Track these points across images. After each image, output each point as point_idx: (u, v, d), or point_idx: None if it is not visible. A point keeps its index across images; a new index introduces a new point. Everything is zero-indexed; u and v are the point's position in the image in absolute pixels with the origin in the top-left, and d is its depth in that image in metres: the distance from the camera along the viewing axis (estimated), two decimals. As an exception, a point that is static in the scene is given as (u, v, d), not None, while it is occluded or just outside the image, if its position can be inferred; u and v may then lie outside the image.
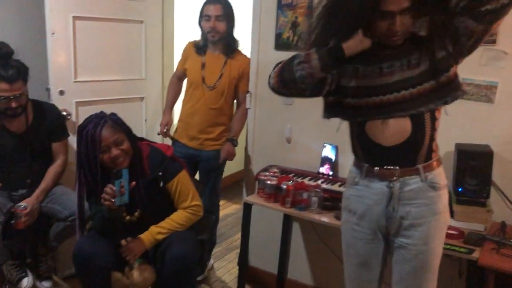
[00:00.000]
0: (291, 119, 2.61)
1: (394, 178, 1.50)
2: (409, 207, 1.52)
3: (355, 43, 1.45)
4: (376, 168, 1.52)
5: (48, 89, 2.63)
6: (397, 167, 1.50)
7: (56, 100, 2.63)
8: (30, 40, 2.80)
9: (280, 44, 2.58)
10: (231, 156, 2.76)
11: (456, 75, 1.48)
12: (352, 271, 1.70)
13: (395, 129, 1.47)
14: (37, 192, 2.38)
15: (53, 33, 2.57)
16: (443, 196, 1.55)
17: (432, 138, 1.50)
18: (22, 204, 2.29)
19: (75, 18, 2.67)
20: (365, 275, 1.67)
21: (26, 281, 2.48)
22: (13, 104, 2.26)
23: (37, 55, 2.62)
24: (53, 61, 2.61)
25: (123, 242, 2.03)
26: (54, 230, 2.45)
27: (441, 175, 1.54)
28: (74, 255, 2.00)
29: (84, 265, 1.99)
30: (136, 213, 2.07)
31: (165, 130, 2.87)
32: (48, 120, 2.48)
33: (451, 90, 1.46)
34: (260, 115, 2.72)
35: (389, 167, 1.50)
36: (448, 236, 1.74)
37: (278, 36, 2.57)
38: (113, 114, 2.04)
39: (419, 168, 1.49)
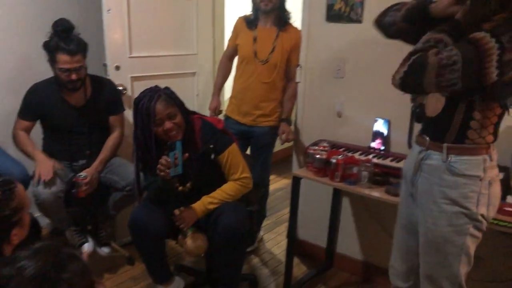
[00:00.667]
0: (342, 93, 2.57)
1: (424, 147, 1.56)
2: (426, 181, 1.56)
3: (443, 6, 1.45)
4: (418, 134, 1.61)
5: (105, 65, 2.72)
6: (427, 138, 1.55)
7: (112, 75, 2.72)
8: (87, 17, 2.91)
9: (332, 15, 2.52)
10: (290, 136, 2.77)
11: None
12: (397, 233, 1.77)
13: (432, 103, 1.53)
14: (96, 162, 2.50)
15: (109, 10, 2.64)
16: (463, 186, 1.48)
17: (466, 125, 1.46)
18: (83, 173, 2.42)
19: (130, -6, 2.73)
20: (407, 240, 1.71)
21: (87, 246, 2.62)
22: (73, 76, 2.36)
23: (94, 32, 2.71)
24: (109, 37, 2.69)
25: (176, 211, 2.11)
26: (112, 199, 2.58)
27: (473, 165, 1.48)
28: (130, 223, 2.11)
29: (140, 233, 2.09)
30: (188, 184, 2.14)
31: (213, 115, 2.91)
32: (105, 94, 2.58)
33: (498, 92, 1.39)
34: (310, 89, 2.70)
35: (424, 136, 1.57)
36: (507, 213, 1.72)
37: (330, 7, 2.51)
38: (167, 88, 2.10)
39: (444, 146, 1.50)
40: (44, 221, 2.86)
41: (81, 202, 2.51)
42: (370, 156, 2.33)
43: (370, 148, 2.45)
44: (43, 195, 2.28)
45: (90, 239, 2.66)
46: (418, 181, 1.59)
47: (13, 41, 2.77)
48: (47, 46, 2.36)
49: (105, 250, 2.68)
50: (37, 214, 2.60)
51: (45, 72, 2.49)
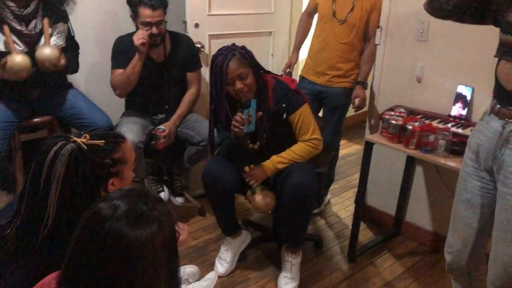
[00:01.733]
0: (423, 57, 2.45)
1: (511, 120, 1.45)
2: None
3: None
4: (498, 106, 1.49)
5: (184, 22, 2.78)
6: None
7: (191, 33, 2.79)
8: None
9: (418, -26, 2.37)
10: (363, 101, 2.71)
11: None
12: (457, 208, 1.70)
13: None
14: (174, 117, 2.62)
15: (191, -33, 2.68)
16: None
17: None
18: (161, 127, 2.55)
19: (212, -49, 2.74)
20: (467, 216, 1.65)
21: (163, 195, 2.78)
22: (154, 30, 2.45)
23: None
24: (190, -5, 2.73)
25: (246, 168, 2.18)
26: (187, 153, 2.70)
27: None
28: (203, 176, 2.21)
29: (211, 186, 2.19)
30: (259, 142, 2.18)
31: (287, 71, 2.90)
32: (184, 51, 2.66)
33: None
34: (389, 52, 2.59)
35: (509, 108, 1.46)
36: None
37: (417, -35, 2.37)
38: (242, 48, 2.11)
39: None
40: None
41: (159, 154, 2.65)
42: (449, 125, 2.23)
43: (449, 116, 2.34)
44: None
45: (166, 189, 2.82)
46: (504, 154, 1.48)
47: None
48: (130, 1, 2.47)
49: (179, 200, 2.83)
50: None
51: (129, 29, 2.61)
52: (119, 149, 1.31)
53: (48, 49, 2.22)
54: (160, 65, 2.62)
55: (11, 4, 2.16)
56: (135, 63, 2.47)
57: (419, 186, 2.65)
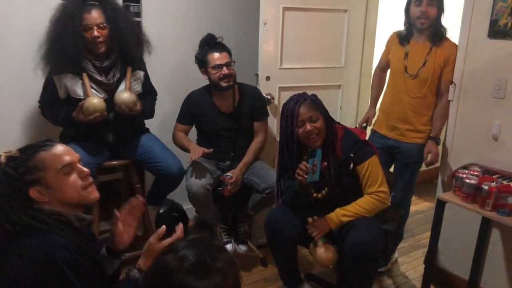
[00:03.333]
0: (500, 115, 2.35)
1: None
2: None
3: None
4: None
5: (256, 75, 2.90)
6: None
7: (262, 85, 2.89)
8: (244, 31, 3.14)
9: (495, 31, 2.33)
10: (436, 157, 2.63)
11: None
12: None
13: None
14: (241, 164, 2.69)
15: (265, 23, 2.81)
16: None
17: None
18: (229, 174, 2.62)
19: (285, 8, 2.86)
20: None
21: (230, 247, 2.79)
22: (225, 71, 2.60)
23: (248, 44, 2.91)
24: (264, 50, 2.86)
25: (309, 219, 2.16)
26: (252, 200, 2.74)
27: None
28: (265, 224, 2.23)
29: (274, 234, 2.19)
30: (324, 191, 2.17)
31: (363, 125, 2.90)
32: (251, 101, 2.76)
33: None
34: (463, 109, 2.52)
35: None
36: None
37: (494, 22, 2.33)
38: (313, 95, 2.18)
39: None
40: (191, 214, 3.15)
41: (226, 200, 2.71)
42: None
43: (530, 177, 2.21)
44: (194, 188, 2.52)
45: (233, 242, 2.84)
46: None
47: (173, 50, 3.11)
48: (197, 57, 2.68)
49: (242, 248, 2.83)
50: (187, 206, 2.89)
51: (198, 79, 2.77)
52: (33, 156, 1.36)
53: (126, 94, 2.39)
54: (228, 116, 2.73)
55: (93, 59, 2.36)
56: (186, 147, 2.70)
57: (497, 250, 2.47)
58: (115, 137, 2.52)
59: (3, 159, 1.34)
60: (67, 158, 1.40)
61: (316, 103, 2.13)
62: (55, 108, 2.41)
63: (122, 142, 2.56)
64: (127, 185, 2.81)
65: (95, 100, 2.29)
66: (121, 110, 2.38)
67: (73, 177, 1.41)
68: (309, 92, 2.22)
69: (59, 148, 1.41)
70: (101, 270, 1.48)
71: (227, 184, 2.58)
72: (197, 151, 2.57)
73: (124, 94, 2.38)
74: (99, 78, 2.38)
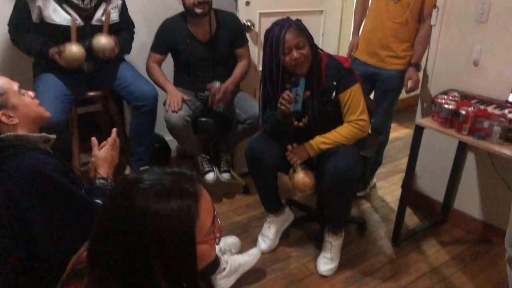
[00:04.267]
0: (482, 40, 2.33)
1: None
2: None
3: None
4: None
5: (235, 0, 2.79)
6: None
7: (242, 10, 2.79)
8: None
9: (481, -50, 2.25)
10: (416, 83, 2.63)
11: None
12: None
13: None
14: (228, 82, 2.65)
15: None
16: None
17: None
18: (217, 82, 2.59)
19: None
20: None
21: (212, 176, 2.83)
22: None
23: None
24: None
25: (289, 147, 2.18)
26: (233, 130, 2.74)
27: None
28: (246, 152, 2.25)
29: (254, 162, 2.22)
30: (305, 119, 2.17)
31: (352, 54, 2.85)
32: (229, 29, 2.67)
33: None
34: (445, 34, 2.49)
35: None
36: None
37: None
38: (298, 20, 2.09)
39: None
40: (173, 145, 3.16)
41: (207, 130, 2.71)
42: (506, 111, 2.13)
43: (507, 102, 2.23)
44: (172, 119, 2.50)
45: (215, 170, 2.87)
46: None
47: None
48: None
49: (225, 177, 2.88)
50: (168, 138, 2.89)
51: (176, 5, 2.66)
52: None
53: (104, 39, 2.35)
54: (205, 45, 2.65)
55: None
56: (162, 86, 2.65)
57: (470, 173, 2.56)
58: (91, 67, 2.46)
59: None
60: (13, 82, 1.47)
61: (301, 29, 2.05)
62: (28, 35, 2.31)
63: (99, 71, 2.50)
64: (107, 118, 2.78)
65: (75, 49, 2.26)
66: (98, 55, 2.36)
67: (27, 97, 1.50)
68: (292, 18, 2.14)
69: (2, 76, 1.47)
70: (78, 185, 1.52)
71: (214, 94, 2.55)
72: (175, 100, 2.52)
73: (102, 39, 2.34)
74: (76, 1, 2.30)
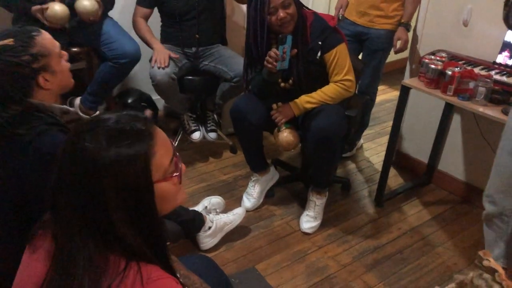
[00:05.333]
0: (472, -1, 2.30)
1: None
2: None
3: None
4: None
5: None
6: None
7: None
8: None
9: None
10: (406, 44, 2.59)
11: None
12: (501, 159, 1.64)
13: None
14: None
15: None
16: None
17: None
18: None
19: None
20: None
21: (198, 135, 2.82)
22: None
23: None
24: None
25: (274, 106, 2.18)
26: (220, 89, 2.72)
27: None
28: (231, 111, 2.23)
29: (239, 121, 2.21)
30: (291, 81, 2.16)
31: (339, 15, 2.78)
32: None
33: None
34: (436, -8, 2.45)
35: None
36: None
37: None
38: None
39: None
40: (160, 104, 3.14)
41: (193, 88, 2.68)
42: (492, 72, 2.12)
43: (494, 63, 2.22)
44: (158, 76, 2.46)
45: (202, 129, 2.85)
46: None
47: None
48: None
49: (212, 136, 2.87)
50: (156, 97, 2.86)
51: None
52: (34, 43, 1.28)
53: (87, 2, 2.29)
54: None
55: None
56: (148, 42, 2.58)
57: (455, 134, 2.57)
58: (74, 23, 2.40)
59: None
60: (56, 43, 1.36)
61: None
62: None
63: (81, 28, 2.44)
64: (91, 76, 2.73)
65: (58, 8, 2.19)
66: (81, 19, 2.31)
67: (64, 61, 1.40)
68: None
69: (47, 33, 1.35)
70: None
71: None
72: (163, 57, 2.47)
73: (85, 3, 2.28)
74: None
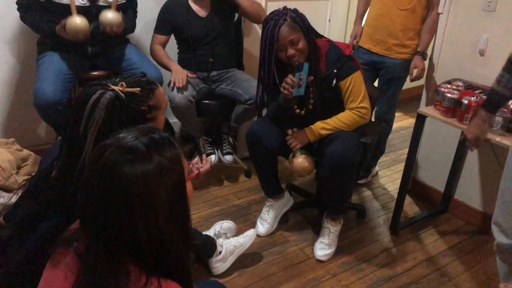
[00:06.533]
0: (489, 29, 2.30)
1: None
2: None
3: None
4: None
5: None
6: None
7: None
8: None
9: None
10: (422, 72, 2.60)
11: None
12: (506, 185, 1.67)
13: None
14: None
15: None
16: None
17: None
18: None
19: None
20: None
21: (214, 158, 2.85)
22: None
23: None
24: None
25: (289, 131, 2.19)
26: (235, 111, 2.75)
27: None
28: (246, 135, 2.25)
29: (254, 145, 2.23)
30: (306, 108, 2.17)
31: (354, 42, 2.81)
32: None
33: None
34: (452, 22, 2.46)
35: None
36: None
37: None
38: (294, 11, 2.06)
39: None
40: (177, 127, 3.17)
41: (210, 112, 2.72)
42: (509, 102, 2.11)
43: (511, 93, 2.21)
44: (177, 99, 2.51)
45: (217, 152, 2.88)
46: None
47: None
48: None
49: (227, 159, 2.89)
50: (172, 120, 2.90)
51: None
52: (153, 96, 1.34)
53: (111, 14, 2.32)
54: (205, 20, 2.64)
55: None
56: (166, 65, 2.65)
57: (472, 163, 2.55)
58: (96, 48, 2.47)
59: (121, 94, 1.27)
60: (165, 99, 1.43)
61: (296, 21, 2.03)
62: (36, 14, 2.32)
63: (103, 53, 2.51)
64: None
65: (77, 20, 2.23)
66: (105, 30, 2.34)
67: (162, 113, 1.43)
68: (297, 4, 2.12)
69: (160, 88, 1.41)
70: None
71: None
72: (181, 77, 2.52)
73: (109, 14, 2.32)
74: None
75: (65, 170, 1.26)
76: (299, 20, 2.05)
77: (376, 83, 2.79)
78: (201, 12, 2.64)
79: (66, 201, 1.22)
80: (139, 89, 1.30)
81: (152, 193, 0.84)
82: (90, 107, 1.24)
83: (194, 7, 2.63)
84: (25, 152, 2.44)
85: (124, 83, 1.29)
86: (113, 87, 1.27)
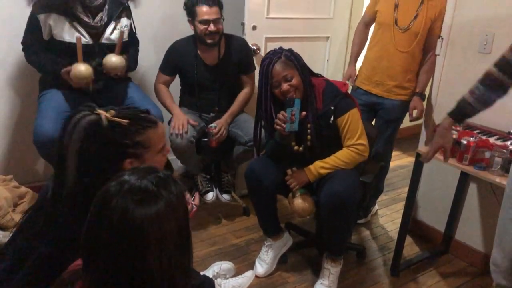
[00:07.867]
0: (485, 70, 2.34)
1: None
2: None
3: None
4: None
5: (242, 24, 2.83)
6: None
7: (248, 35, 2.83)
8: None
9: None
10: (421, 113, 2.63)
11: None
12: (503, 227, 1.69)
13: None
14: (226, 115, 2.68)
15: (251, -29, 2.72)
16: None
17: None
18: (213, 124, 2.61)
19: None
20: None
21: (211, 195, 2.84)
22: (212, 27, 2.51)
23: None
24: (250, -2, 2.77)
25: (289, 171, 2.19)
26: (235, 152, 2.75)
27: None
28: (245, 174, 2.26)
29: (253, 184, 2.22)
30: (304, 145, 2.18)
31: (350, 84, 2.85)
32: (237, 53, 2.70)
33: None
34: (449, 63, 2.51)
35: None
36: None
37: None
38: (289, 51, 2.12)
39: None
40: (176, 164, 3.16)
41: (210, 151, 2.72)
42: (508, 143, 2.13)
43: (509, 133, 2.23)
44: (177, 140, 2.52)
45: (215, 190, 2.87)
46: None
47: (160, 2, 3.01)
48: (186, 4, 2.57)
49: (225, 197, 2.87)
50: (171, 157, 2.89)
51: (185, 31, 2.69)
52: (143, 133, 1.28)
53: (115, 58, 2.36)
54: (213, 69, 2.68)
55: None
56: (168, 108, 2.67)
57: (472, 203, 2.53)
58: (99, 87, 2.49)
59: (105, 121, 1.22)
60: (164, 139, 1.38)
61: (290, 59, 2.09)
62: (40, 55, 2.35)
63: (104, 91, 2.52)
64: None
65: (82, 68, 2.27)
66: (108, 74, 2.38)
67: (162, 155, 1.38)
68: (296, 44, 2.19)
69: (161, 128, 1.37)
70: None
71: (213, 135, 2.58)
72: (181, 124, 2.53)
73: (112, 58, 2.37)
74: (86, 19, 2.33)
75: (54, 198, 1.23)
76: (293, 58, 2.10)
77: (373, 123, 2.81)
78: (209, 60, 2.68)
79: (56, 231, 1.19)
80: (127, 121, 1.25)
81: (165, 230, 0.86)
82: (71, 128, 1.22)
83: (203, 55, 2.67)
84: (23, 189, 2.42)
85: (113, 111, 1.25)
86: (99, 111, 1.23)
